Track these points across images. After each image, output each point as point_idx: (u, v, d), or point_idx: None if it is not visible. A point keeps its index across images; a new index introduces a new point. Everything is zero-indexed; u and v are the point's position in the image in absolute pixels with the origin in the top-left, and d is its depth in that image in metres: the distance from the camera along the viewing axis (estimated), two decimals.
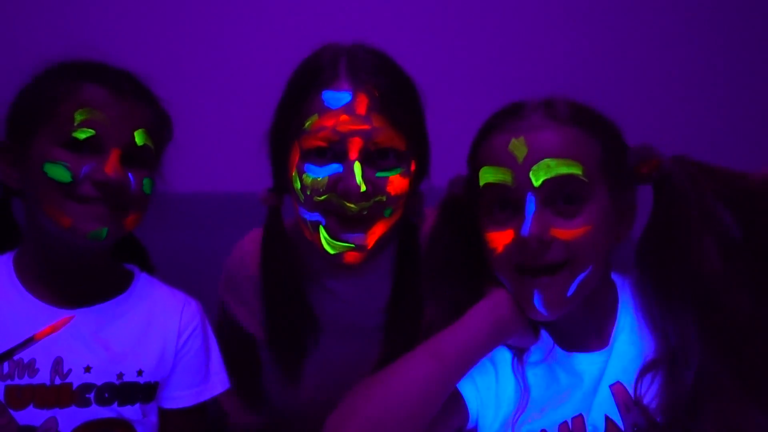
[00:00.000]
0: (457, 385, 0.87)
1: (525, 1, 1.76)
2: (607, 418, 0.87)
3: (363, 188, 0.92)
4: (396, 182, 0.95)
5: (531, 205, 0.83)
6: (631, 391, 0.87)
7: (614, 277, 0.95)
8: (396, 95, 0.95)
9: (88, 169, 0.88)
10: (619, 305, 0.92)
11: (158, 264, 1.08)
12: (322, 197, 0.94)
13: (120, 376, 0.93)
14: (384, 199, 0.95)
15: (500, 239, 0.86)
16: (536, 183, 0.83)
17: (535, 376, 0.91)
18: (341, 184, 0.93)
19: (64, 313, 0.92)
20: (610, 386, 0.88)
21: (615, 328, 0.91)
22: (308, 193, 0.95)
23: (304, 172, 0.95)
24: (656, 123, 1.55)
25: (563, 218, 0.83)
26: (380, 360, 0.96)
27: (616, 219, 0.88)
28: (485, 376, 0.91)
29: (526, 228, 0.82)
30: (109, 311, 0.95)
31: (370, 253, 0.98)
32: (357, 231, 0.96)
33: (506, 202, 0.86)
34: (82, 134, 0.88)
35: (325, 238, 0.96)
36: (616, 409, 0.87)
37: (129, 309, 0.97)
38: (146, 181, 0.93)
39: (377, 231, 0.97)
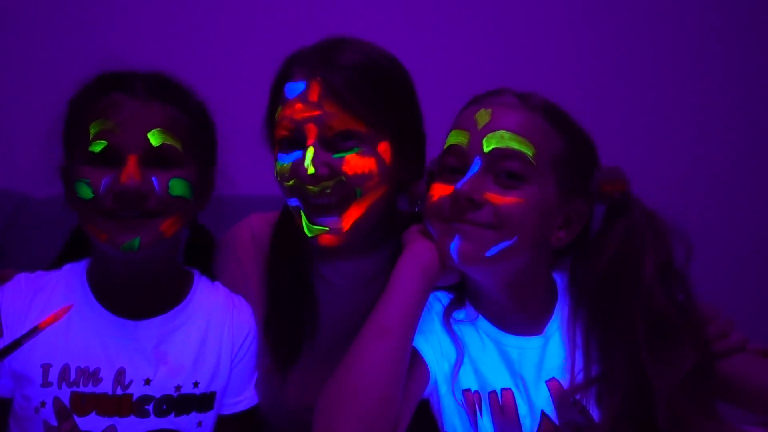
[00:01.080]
0: (415, 345, 0.91)
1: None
2: (543, 414, 0.90)
3: (311, 170, 0.94)
4: (353, 161, 0.96)
5: (475, 167, 0.88)
6: (566, 388, 0.90)
7: (555, 275, 0.98)
8: (352, 82, 0.96)
9: (108, 181, 0.88)
10: (558, 302, 0.96)
11: None
12: (289, 183, 0.98)
13: (178, 388, 0.96)
14: (343, 179, 0.96)
15: (439, 190, 0.90)
16: (486, 149, 0.88)
17: (468, 335, 0.95)
18: (298, 169, 0.96)
19: (129, 324, 0.96)
20: (547, 382, 0.91)
21: (550, 321, 0.95)
22: (279, 179, 1.00)
23: (276, 161, 1.00)
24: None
25: (500, 188, 0.87)
26: None
27: (559, 218, 0.91)
28: (430, 325, 0.95)
29: (461, 183, 0.87)
30: (168, 323, 0.98)
31: (349, 236, 0.98)
32: (331, 214, 0.98)
33: (459, 167, 0.90)
34: (96, 147, 0.89)
35: (304, 222, 0.99)
36: (552, 406, 0.90)
37: (187, 319, 0.99)
38: (174, 183, 0.91)
39: (353, 213, 0.98)
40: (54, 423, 0.90)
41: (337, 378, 0.84)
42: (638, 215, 0.91)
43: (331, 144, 0.96)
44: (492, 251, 0.87)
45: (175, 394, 0.95)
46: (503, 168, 0.87)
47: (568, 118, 0.93)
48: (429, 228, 0.92)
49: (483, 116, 0.89)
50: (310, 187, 0.96)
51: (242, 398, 1.02)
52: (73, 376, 0.92)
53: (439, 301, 0.99)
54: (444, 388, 0.92)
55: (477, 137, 0.88)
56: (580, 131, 0.94)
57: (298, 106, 0.96)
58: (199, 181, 0.97)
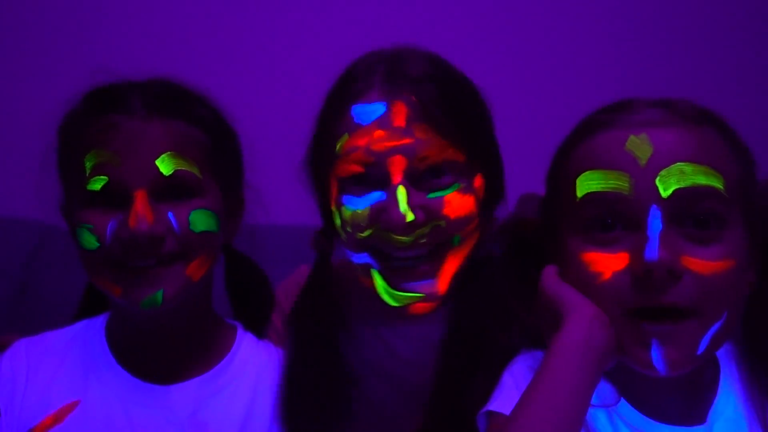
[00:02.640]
0: None
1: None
2: None
3: (410, 217, 0.76)
4: (455, 201, 0.79)
5: (656, 221, 0.64)
6: None
7: None
8: (445, 100, 0.80)
9: (114, 226, 0.74)
10: (721, 378, 0.73)
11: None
12: (366, 233, 0.80)
13: None
14: (443, 224, 0.79)
15: (607, 263, 0.66)
16: (665, 193, 0.64)
17: (600, 423, 0.72)
18: (384, 215, 0.78)
19: (159, 390, 0.81)
20: None
21: (715, 404, 0.72)
22: (349, 230, 0.80)
23: (342, 205, 0.81)
24: None
25: (696, 245, 0.65)
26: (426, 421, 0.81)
27: (750, 260, 0.69)
28: None
29: (653, 251, 0.63)
30: (207, 385, 0.83)
31: (445, 298, 0.82)
32: (424, 277, 0.80)
33: (614, 220, 0.67)
34: (96, 185, 0.74)
35: (383, 288, 0.81)
36: None
37: (230, 381, 0.84)
38: (196, 216, 0.77)
39: (449, 269, 0.81)
40: None
41: None
42: None
43: (419, 181, 0.78)
44: (703, 345, 0.65)
45: None
46: (690, 217, 0.65)
47: (725, 121, 0.71)
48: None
49: (640, 147, 0.66)
50: (401, 238, 0.78)
51: None
52: None
53: None
54: None
55: (644, 178, 0.65)
56: (739, 136, 0.72)
57: (378, 133, 0.78)
58: (224, 207, 0.81)
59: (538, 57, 1.55)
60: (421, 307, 0.81)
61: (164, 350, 0.82)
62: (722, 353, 0.75)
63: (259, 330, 0.90)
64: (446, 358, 0.84)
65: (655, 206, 0.64)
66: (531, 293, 0.74)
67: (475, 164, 0.81)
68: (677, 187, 0.64)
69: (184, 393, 0.81)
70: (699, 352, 0.65)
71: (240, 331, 0.88)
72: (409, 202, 0.76)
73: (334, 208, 0.82)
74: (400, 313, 0.81)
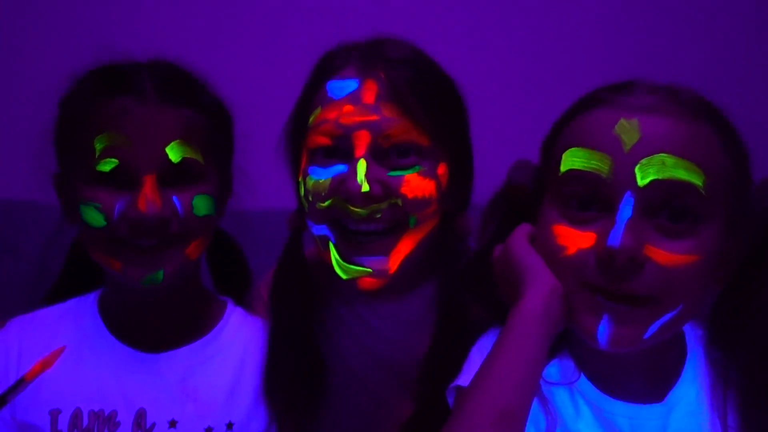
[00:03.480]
0: None
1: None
2: None
3: (365, 188, 0.77)
4: (414, 182, 0.80)
5: (628, 208, 0.64)
6: None
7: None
8: (416, 84, 0.81)
9: (122, 206, 0.76)
10: (687, 363, 0.73)
11: None
12: (326, 203, 0.81)
13: (209, 430, 0.83)
14: (399, 202, 0.80)
15: (574, 240, 0.67)
16: (641, 182, 0.64)
17: (559, 397, 0.73)
18: (343, 185, 0.79)
19: (149, 358, 0.84)
20: None
21: (676, 386, 0.72)
22: (310, 199, 0.82)
23: (307, 176, 0.83)
24: None
25: (664, 236, 0.64)
26: (416, 409, 0.82)
27: (720, 261, 0.67)
28: None
29: (617, 236, 0.62)
30: (196, 354, 0.86)
31: (393, 278, 0.82)
32: (376, 253, 0.81)
33: (591, 199, 0.67)
34: (105, 166, 0.76)
35: (336, 260, 0.82)
36: None
37: (218, 351, 0.87)
38: (198, 201, 0.79)
39: (402, 249, 0.82)
40: None
41: None
42: None
43: (383, 158, 0.80)
44: (652, 330, 0.66)
45: None
46: (666, 209, 0.65)
47: (726, 119, 0.69)
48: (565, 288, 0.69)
49: (629, 132, 0.65)
50: (356, 209, 0.79)
51: None
52: (85, 422, 0.81)
53: None
54: None
55: (625, 164, 0.64)
56: (738, 133, 0.70)
57: (348, 108, 0.80)
58: (220, 191, 0.84)
59: (525, 53, 1.52)
60: (369, 282, 0.82)
61: (156, 321, 0.85)
62: (693, 339, 0.75)
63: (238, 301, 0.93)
64: (432, 338, 0.85)
65: (629, 193, 0.64)
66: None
67: (441, 151, 0.83)
68: (655, 177, 0.63)
69: (174, 361, 0.84)
70: (646, 337, 0.66)
71: (230, 305, 0.91)
72: (368, 175, 0.77)
73: (300, 179, 0.84)
74: (351, 286, 0.82)
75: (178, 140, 0.77)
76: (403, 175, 0.80)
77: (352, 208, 0.79)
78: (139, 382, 0.82)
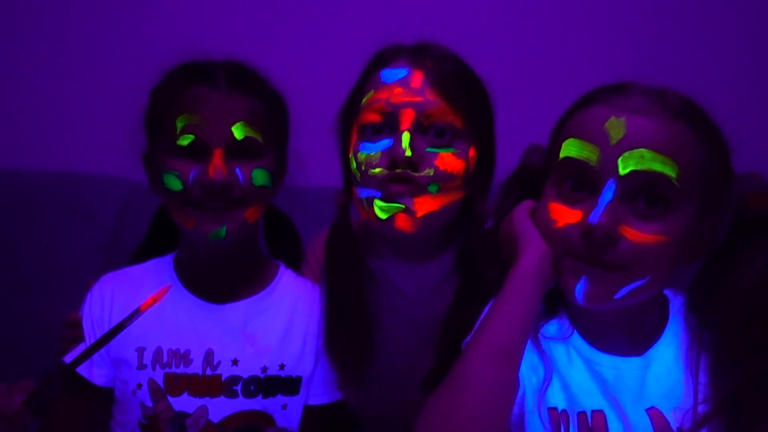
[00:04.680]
0: None
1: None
2: None
3: (408, 153, 0.90)
4: (446, 159, 0.92)
5: (609, 192, 0.75)
6: (670, 420, 0.78)
7: (667, 292, 0.85)
8: (455, 76, 0.94)
9: (195, 173, 0.90)
10: (668, 325, 0.84)
11: None
12: (376, 170, 0.93)
13: (264, 369, 0.97)
14: (431, 172, 0.92)
15: (563, 216, 0.78)
16: (622, 171, 0.74)
17: (556, 350, 0.85)
18: (390, 154, 0.92)
19: (216, 308, 0.99)
20: (647, 410, 0.80)
21: (657, 342, 0.83)
22: (363, 168, 0.94)
23: (359, 151, 0.95)
24: None
25: (638, 218, 0.75)
26: (436, 363, 0.92)
27: (695, 238, 0.78)
28: None
29: (597, 215, 0.74)
30: (254, 306, 1.00)
31: (420, 225, 0.93)
32: (405, 194, 0.92)
33: (582, 183, 0.78)
34: (184, 141, 0.90)
35: (378, 206, 0.93)
36: None
37: (272, 304, 1.01)
38: (257, 173, 0.92)
39: (424, 203, 0.92)
40: (150, 404, 0.94)
41: (447, 400, 0.75)
42: None
43: (424, 135, 0.93)
44: (621, 293, 0.77)
45: (261, 375, 0.97)
46: (643, 195, 0.75)
47: (707, 119, 0.79)
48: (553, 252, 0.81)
49: (616, 128, 0.75)
50: (398, 170, 0.91)
51: (328, 390, 1.02)
52: (165, 358, 0.96)
53: None
54: (530, 404, 0.84)
55: (610, 155, 0.75)
56: (719, 133, 0.79)
57: (398, 90, 0.93)
58: (276, 168, 0.98)
59: (543, 56, 1.62)
60: (402, 220, 0.92)
61: (221, 277, 0.99)
62: (675, 306, 0.86)
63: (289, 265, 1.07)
64: (453, 299, 0.98)
65: (612, 180, 0.75)
66: None
67: (472, 136, 0.95)
68: (634, 168, 0.74)
69: (236, 311, 0.98)
70: (616, 297, 0.77)
71: (282, 267, 1.05)
72: (410, 145, 0.90)
73: (351, 155, 0.96)
74: (388, 229, 0.93)
75: (242, 122, 0.91)
76: (438, 153, 0.92)
77: (396, 171, 0.91)
78: (208, 327, 0.97)
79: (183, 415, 0.94)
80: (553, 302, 0.88)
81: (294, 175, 1.04)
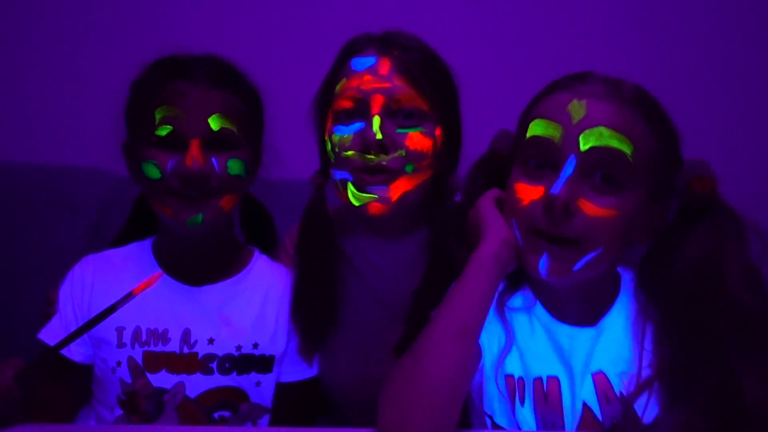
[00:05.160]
0: None
1: None
2: (585, 406, 0.86)
3: (379, 136, 0.97)
4: (415, 138, 1.00)
5: (570, 167, 0.82)
6: (615, 384, 0.85)
7: (620, 270, 0.93)
8: (420, 63, 1.01)
9: (173, 163, 0.95)
10: (619, 297, 0.91)
11: None
12: (349, 152, 1.00)
13: (238, 348, 1.02)
14: (403, 153, 0.99)
15: (528, 193, 0.85)
16: (583, 147, 0.81)
17: (518, 321, 0.92)
18: (362, 137, 0.98)
19: (193, 290, 1.04)
20: (593, 374, 0.87)
21: (608, 313, 0.90)
22: (336, 150, 1.01)
23: (333, 134, 1.02)
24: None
25: (594, 193, 0.82)
26: (404, 335, 0.99)
27: (644, 219, 0.84)
28: None
29: (558, 187, 0.80)
30: (230, 289, 1.05)
31: (396, 207, 1.00)
32: (379, 184, 0.99)
33: (545, 161, 0.84)
34: (163, 131, 0.95)
35: (351, 192, 1.01)
36: (596, 399, 0.86)
37: (247, 287, 1.06)
38: (232, 163, 0.97)
39: (400, 185, 1.00)
40: (129, 380, 0.99)
41: (409, 372, 0.81)
42: (725, 217, 0.84)
43: (392, 116, 0.99)
44: (579, 265, 0.83)
45: (236, 354, 1.02)
46: (600, 170, 0.81)
47: (658, 108, 0.86)
48: (515, 230, 0.87)
49: (577, 109, 0.82)
50: (370, 156, 0.98)
51: (300, 368, 1.07)
52: (144, 337, 1.00)
53: None
54: (489, 371, 0.92)
55: (572, 133, 0.82)
56: (669, 122, 0.87)
57: (367, 77, 0.99)
58: (252, 160, 1.03)
59: (509, 48, 1.69)
60: (376, 207, 0.99)
61: (198, 261, 1.04)
62: (626, 282, 0.93)
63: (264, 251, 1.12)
64: (423, 274, 1.03)
65: (573, 155, 0.82)
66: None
67: (437, 118, 1.02)
68: (594, 144, 0.81)
69: (212, 293, 1.04)
70: (574, 270, 0.84)
71: (257, 252, 1.10)
72: (381, 128, 0.97)
73: (326, 138, 1.03)
74: (361, 213, 1.01)
75: (218, 114, 0.96)
76: (407, 132, 0.99)
77: (366, 155, 0.98)
78: (185, 308, 1.02)
79: (161, 391, 0.99)
80: (518, 277, 0.94)
81: (269, 167, 1.09)
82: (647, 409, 0.84)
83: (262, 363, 1.04)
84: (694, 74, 1.66)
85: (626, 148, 0.81)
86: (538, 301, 0.93)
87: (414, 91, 0.99)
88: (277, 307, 1.07)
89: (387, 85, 0.99)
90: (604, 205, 0.81)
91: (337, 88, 1.02)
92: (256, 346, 1.04)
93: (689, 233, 0.85)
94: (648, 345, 0.86)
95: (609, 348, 0.88)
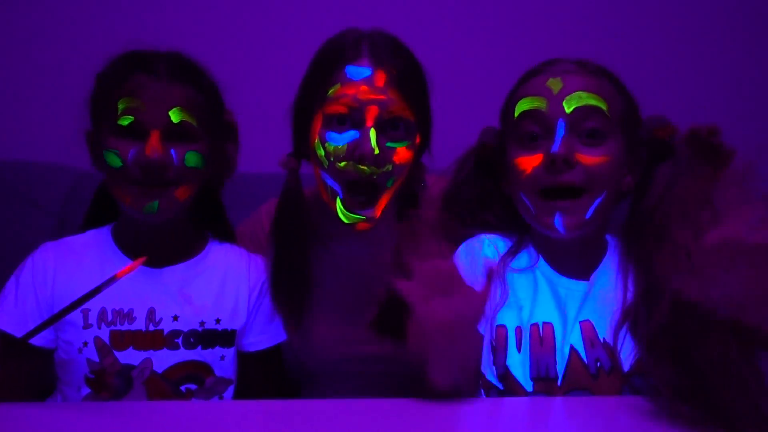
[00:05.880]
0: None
1: None
2: (572, 349, 0.96)
3: (377, 151, 1.03)
4: (401, 154, 1.07)
5: (561, 129, 0.95)
6: (599, 330, 0.95)
7: (607, 236, 1.04)
8: (409, 75, 1.08)
9: (134, 153, 1.00)
10: (606, 256, 1.03)
11: None
12: (342, 163, 1.05)
13: (202, 324, 1.07)
14: (390, 168, 1.06)
15: (529, 162, 0.97)
16: (568, 110, 0.95)
17: (520, 280, 1.02)
18: (358, 150, 1.04)
19: (155, 272, 1.08)
20: (581, 322, 0.97)
21: (598, 268, 1.01)
22: (331, 159, 1.06)
23: (326, 141, 1.06)
24: None
25: (586, 146, 0.95)
26: (380, 310, 1.08)
27: (627, 168, 0.97)
28: (477, 276, 0.98)
29: (556, 146, 0.94)
30: (189, 270, 1.10)
31: (378, 221, 1.09)
32: (366, 206, 1.07)
33: (538, 131, 0.96)
34: (124, 121, 0.99)
35: (340, 210, 1.08)
36: (582, 343, 0.96)
37: (206, 268, 1.11)
38: (190, 156, 1.01)
39: (383, 202, 1.08)
40: (96, 359, 1.03)
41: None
42: (683, 155, 0.95)
43: (383, 128, 1.05)
44: (590, 213, 0.95)
45: (200, 329, 1.07)
46: (586, 127, 0.95)
47: (617, 77, 1.01)
48: (525, 200, 0.98)
49: (555, 83, 0.96)
50: (364, 167, 1.04)
51: (263, 338, 1.13)
52: (110, 317, 1.05)
53: (493, 246, 1.05)
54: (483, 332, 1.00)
55: (556, 101, 0.95)
56: (627, 90, 1.02)
57: (363, 88, 1.04)
58: (210, 154, 1.07)
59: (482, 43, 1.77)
60: (363, 225, 1.09)
61: (157, 245, 1.08)
62: (613, 243, 1.03)
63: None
64: (394, 254, 1.08)
65: (561, 119, 0.95)
66: (490, 199, 1.07)
67: (419, 125, 1.09)
68: (576, 105, 0.95)
69: (173, 273, 1.08)
70: (587, 218, 0.96)
71: (211, 237, 1.16)
72: (377, 142, 1.03)
73: (317, 141, 1.07)
74: (350, 228, 1.09)
75: (179, 107, 1.00)
76: (395, 148, 1.06)
77: (361, 167, 1.04)
78: (149, 289, 1.06)
79: (129, 368, 1.04)
80: (521, 238, 1.05)
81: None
82: (626, 354, 0.93)
83: (225, 337, 1.09)
84: (668, 68, 1.77)
85: (602, 105, 0.96)
86: (541, 257, 1.03)
87: (404, 102, 1.05)
88: (236, 285, 1.12)
89: (382, 97, 1.04)
90: (596, 154, 0.95)
91: (331, 92, 1.05)
92: (218, 321, 1.09)
93: (654, 177, 0.97)
94: (631, 283, 0.97)
95: (597, 299, 0.99)
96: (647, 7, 1.79)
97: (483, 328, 0.99)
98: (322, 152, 1.07)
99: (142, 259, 0.89)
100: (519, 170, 0.97)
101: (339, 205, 1.08)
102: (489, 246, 1.05)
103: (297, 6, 1.72)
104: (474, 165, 1.09)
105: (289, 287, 1.14)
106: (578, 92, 0.95)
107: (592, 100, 0.95)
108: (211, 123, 1.06)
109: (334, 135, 1.05)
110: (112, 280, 0.87)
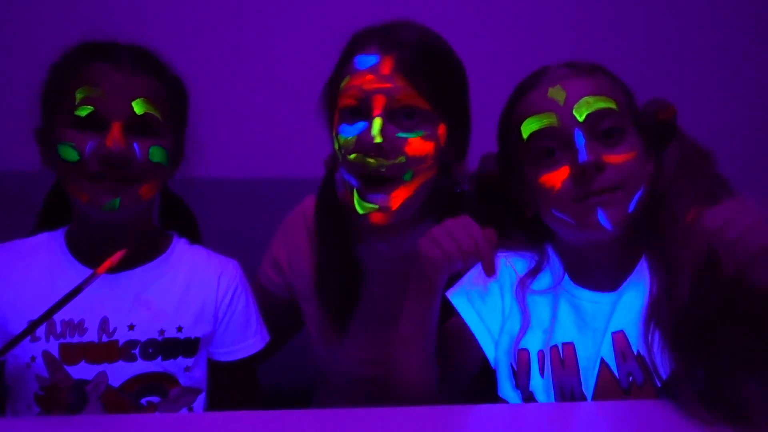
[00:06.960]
0: (465, 321, 0.98)
1: None
2: (603, 362, 0.91)
3: (378, 140, 0.97)
4: (415, 144, 0.99)
5: (580, 137, 0.90)
6: (632, 341, 0.91)
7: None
8: (422, 61, 1.00)
9: (93, 145, 0.92)
10: (639, 264, 0.96)
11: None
12: (351, 156, 1.00)
13: (161, 332, 0.99)
14: (403, 159, 0.99)
15: (555, 178, 0.92)
16: (580, 118, 0.90)
17: (540, 302, 0.97)
18: (359, 141, 0.99)
19: (109, 278, 0.97)
20: (613, 333, 0.92)
21: (630, 277, 0.95)
22: (343, 152, 1.02)
23: (339, 133, 1.02)
24: None
25: (608, 147, 0.91)
26: None
27: (646, 156, 0.95)
28: (490, 299, 0.99)
29: (582, 155, 0.89)
30: (149, 273, 1.02)
31: (396, 216, 1.02)
32: (379, 192, 1.00)
33: (556, 146, 0.92)
34: (83, 111, 0.92)
35: (356, 199, 1.02)
36: (613, 356, 0.91)
37: (167, 270, 1.03)
38: (154, 150, 0.95)
39: (400, 194, 1.01)
40: (45, 374, 0.95)
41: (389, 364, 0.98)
42: (685, 139, 0.96)
43: (394, 118, 0.99)
44: (632, 206, 0.91)
45: (159, 338, 0.99)
46: (602, 128, 0.91)
47: (610, 71, 0.97)
48: (560, 216, 0.93)
49: (558, 93, 0.92)
50: (369, 160, 0.99)
51: (237, 348, 1.06)
52: (59, 329, 0.96)
53: (511, 266, 1.00)
54: (502, 356, 0.97)
55: (566, 112, 0.91)
56: (622, 81, 0.98)
57: (369, 77, 0.99)
58: (174, 150, 1.01)
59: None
60: (377, 217, 1.02)
61: (114, 248, 0.96)
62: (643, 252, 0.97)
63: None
64: None
65: (577, 129, 0.91)
66: (501, 224, 1.00)
67: (440, 115, 1.01)
68: (587, 112, 0.91)
69: (131, 278, 1.00)
70: (630, 210, 0.91)
71: (175, 237, 1.08)
72: (382, 132, 0.97)
73: (334, 135, 1.04)
74: (364, 222, 1.03)
75: (143, 98, 0.94)
76: (407, 138, 0.99)
77: (368, 159, 0.99)
78: (102, 297, 0.97)
79: (83, 382, 0.96)
80: (543, 256, 1.00)
81: (192, 163, 1.07)
82: (661, 367, 0.89)
83: (187, 346, 1.01)
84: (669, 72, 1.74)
85: (612, 104, 0.92)
86: (566, 274, 0.98)
87: (415, 91, 0.99)
88: (203, 289, 1.04)
89: (388, 85, 0.98)
90: (620, 151, 0.91)
91: (342, 84, 1.02)
92: (180, 329, 1.01)
93: (664, 157, 0.96)
94: (655, 289, 0.93)
95: (629, 309, 0.93)
96: (647, 7, 1.78)
97: (505, 355, 0.96)
98: (336, 146, 1.04)
99: (123, 251, 0.83)
100: (546, 189, 0.92)
101: (355, 196, 1.02)
102: (506, 267, 1.01)
103: (297, 6, 1.64)
104: (476, 195, 1.06)
105: (334, 283, 1.11)
106: (585, 98, 0.91)
107: (601, 103, 0.91)
108: (175, 117, 1.00)
109: (346, 127, 1.01)
110: (93, 276, 0.81)
